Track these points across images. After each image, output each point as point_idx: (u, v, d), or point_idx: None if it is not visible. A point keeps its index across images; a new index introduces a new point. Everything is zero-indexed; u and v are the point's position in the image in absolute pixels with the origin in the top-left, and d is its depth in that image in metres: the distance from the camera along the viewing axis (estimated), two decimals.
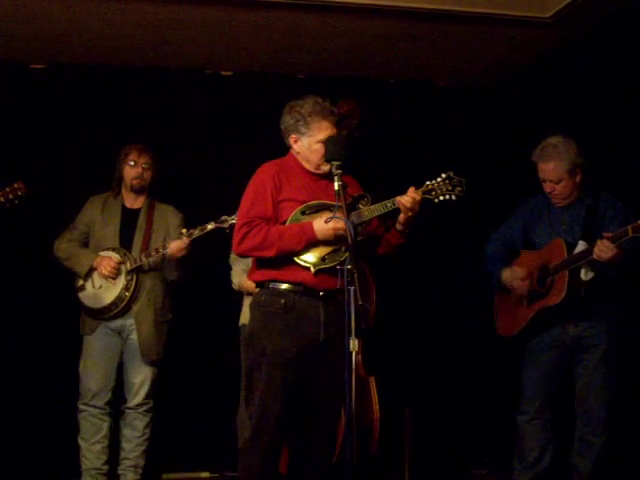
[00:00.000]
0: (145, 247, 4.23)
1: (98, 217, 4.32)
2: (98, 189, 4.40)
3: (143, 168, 4.31)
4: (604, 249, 3.42)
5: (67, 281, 4.26)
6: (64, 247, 4.29)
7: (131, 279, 4.19)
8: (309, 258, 3.16)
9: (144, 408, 4.27)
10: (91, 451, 4.22)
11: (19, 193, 3.93)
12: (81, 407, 4.24)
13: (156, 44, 4.57)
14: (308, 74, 5.07)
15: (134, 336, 4.22)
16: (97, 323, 4.23)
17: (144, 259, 4.19)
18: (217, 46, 4.65)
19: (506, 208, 4.13)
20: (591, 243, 3.52)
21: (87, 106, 4.78)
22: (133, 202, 4.37)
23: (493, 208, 4.66)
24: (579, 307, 3.62)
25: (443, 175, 3.26)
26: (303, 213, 3.20)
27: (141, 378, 4.25)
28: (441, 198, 3.24)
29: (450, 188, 3.24)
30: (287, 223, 3.20)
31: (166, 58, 4.78)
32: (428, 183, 3.25)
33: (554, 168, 3.71)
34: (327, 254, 3.16)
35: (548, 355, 3.73)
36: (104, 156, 4.42)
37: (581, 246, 3.59)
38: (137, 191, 4.34)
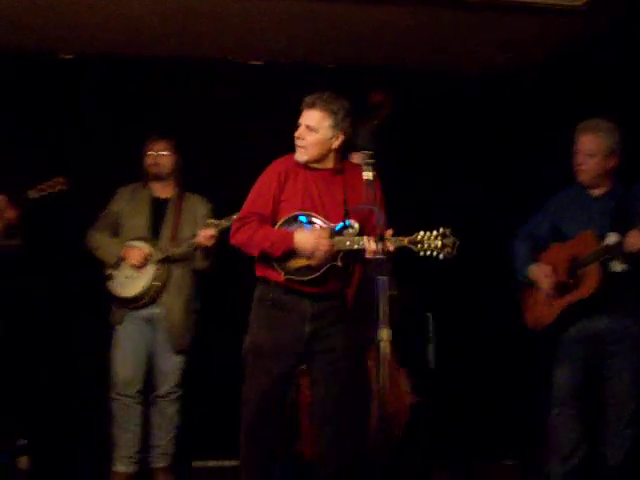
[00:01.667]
0: (174, 237, 4.26)
1: (127, 207, 4.36)
2: (129, 179, 4.43)
3: (158, 155, 4.35)
4: (635, 241, 3.39)
5: (98, 271, 4.30)
6: (95, 237, 4.33)
7: (160, 269, 4.21)
8: (284, 264, 3.26)
9: (173, 396, 4.32)
10: (123, 439, 4.26)
11: (59, 187, 4.02)
12: (113, 396, 4.27)
13: (185, 34, 4.56)
14: (338, 65, 5.04)
15: (163, 325, 4.25)
16: (126, 312, 4.26)
17: (173, 249, 4.22)
18: (247, 35, 4.63)
19: (534, 201, 4.09)
20: (622, 235, 3.48)
21: (116, 96, 4.79)
22: (162, 192, 4.39)
23: (520, 202, 4.61)
24: (610, 299, 3.57)
25: (438, 231, 3.14)
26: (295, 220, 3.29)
27: (170, 367, 4.29)
28: (427, 254, 3.12)
29: (439, 245, 3.11)
30: (277, 226, 3.31)
31: (196, 48, 4.77)
32: (419, 235, 3.13)
33: (592, 140, 3.64)
34: (304, 267, 3.24)
35: (579, 347, 3.69)
36: (134, 146, 4.42)
37: (612, 238, 3.54)
38: (158, 179, 4.37)
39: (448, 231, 3.15)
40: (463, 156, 5.13)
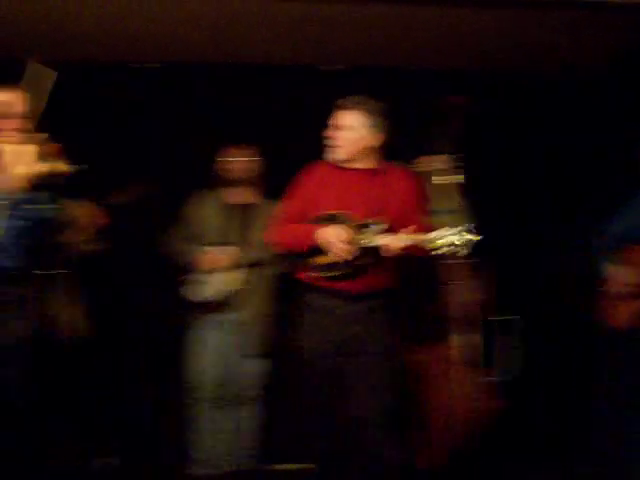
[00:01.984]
0: (250, 242, 4.30)
1: (203, 213, 4.41)
2: (206, 185, 4.48)
3: (242, 161, 4.39)
4: None
5: (176, 276, 4.37)
6: (171, 242, 4.41)
7: (237, 273, 4.26)
8: (313, 261, 3.32)
9: (252, 400, 4.35)
10: (203, 442, 4.32)
11: (136, 194, 4.12)
12: (191, 400, 4.34)
13: (264, 40, 4.59)
14: (418, 67, 5.01)
15: (240, 329, 4.29)
16: (203, 317, 4.32)
17: (249, 254, 4.26)
18: (327, 40, 4.64)
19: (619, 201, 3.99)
20: None
21: (195, 103, 4.87)
22: (238, 198, 4.42)
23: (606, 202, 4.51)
24: None
25: (459, 228, 3.05)
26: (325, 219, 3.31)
27: (248, 370, 4.33)
28: (442, 251, 3.04)
29: (455, 243, 3.02)
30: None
31: (276, 54, 4.80)
32: (435, 233, 3.07)
33: None
34: (329, 264, 3.28)
35: None
36: (211, 152, 4.48)
37: None
38: (238, 185, 4.41)
39: (465, 228, 3.06)
40: (541, 158, 5.07)
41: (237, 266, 4.26)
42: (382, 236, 3.15)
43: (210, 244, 4.32)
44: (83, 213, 4.19)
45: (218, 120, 4.82)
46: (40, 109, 2.90)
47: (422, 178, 3.84)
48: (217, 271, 4.25)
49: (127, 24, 4.36)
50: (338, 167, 3.41)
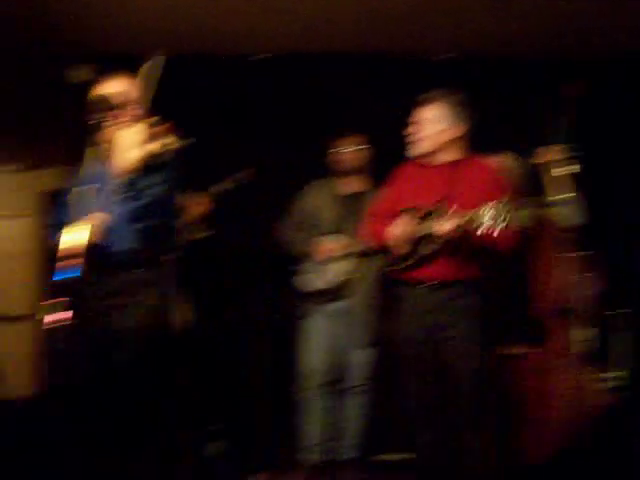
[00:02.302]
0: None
1: (317, 203, 4.43)
2: (318, 174, 4.51)
3: (351, 151, 4.39)
4: None
5: (288, 265, 4.41)
6: (285, 232, 4.45)
7: (349, 263, 4.26)
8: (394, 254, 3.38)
9: (360, 389, 4.37)
10: (311, 430, 4.37)
11: (245, 181, 4.18)
12: (302, 388, 4.39)
13: (375, 31, 4.61)
14: (531, 58, 4.94)
15: (352, 319, 4.30)
16: (315, 306, 4.35)
17: (361, 244, 4.24)
18: (437, 30, 4.61)
19: None
20: None
21: (306, 93, 4.91)
22: (351, 187, 4.43)
23: None
24: None
25: (498, 202, 3.02)
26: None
27: (359, 360, 4.34)
28: (482, 228, 3.01)
29: (494, 217, 2.98)
30: None
31: (386, 44, 4.81)
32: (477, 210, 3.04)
33: None
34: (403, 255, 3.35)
35: None
36: (324, 142, 4.49)
37: None
38: (349, 174, 4.41)
39: (503, 202, 3.01)
40: None
41: (349, 256, 4.27)
42: (435, 222, 3.19)
43: (323, 234, 4.35)
44: (191, 201, 4.30)
45: (331, 110, 4.85)
46: (150, 96, 2.96)
47: (540, 169, 3.79)
48: (329, 261, 4.28)
49: (238, 17, 4.43)
50: (422, 163, 3.43)
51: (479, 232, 3.00)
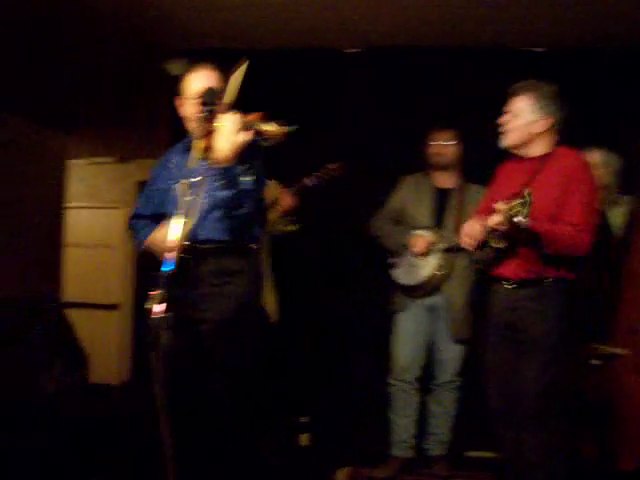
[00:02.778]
0: (457, 227, 4.19)
1: (411, 196, 4.39)
2: (412, 169, 4.48)
3: (443, 145, 4.34)
4: None
5: (382, 258, 4.38)
6: (379, 225, 4.42)
7: (443, 258, 4.22)
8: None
9: (452, 385, 4.33)
10: (400, 425, 4.34)
11: (335, 174, 4.18)
12: (391, 381, 4.36)
13: (463, 22, 4.57)
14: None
15: (444, 314, 4.27)
16: (409, 300, 4.32)
17: (457, 239, 4.19)
18: (526, 21, 4.52)
19: None
20: None
21: (398, 87, 4.87)
22: (445, 182, 4.38)
23: None
24: None
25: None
26: None
27: (450, 356, 4.30)
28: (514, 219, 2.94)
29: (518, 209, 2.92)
30: None
31: (472, 35, 4.74)
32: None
33: None
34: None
35: None
36: (415, 137, 4.46)
37: None
38: (441, 168, 4.37)
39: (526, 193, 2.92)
40: None
41: (445, 250, 4.23)
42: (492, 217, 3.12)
43: (419, 228, 4.31)
44: (283, 193, 4.32)
45: (424, 104, 4.80)
46: (235, 96, 2.98)
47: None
48: (425, 255, 4.24)
49: (333, 11, 4.44)
50: (515, 158, 3.37)
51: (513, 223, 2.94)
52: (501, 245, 3.16)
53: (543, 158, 3.28)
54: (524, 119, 3.27)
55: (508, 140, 3.32)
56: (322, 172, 4.30)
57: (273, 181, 4.52)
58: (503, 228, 3.06)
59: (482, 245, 3.26)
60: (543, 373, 3.19)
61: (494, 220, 3.08)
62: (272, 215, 4.39)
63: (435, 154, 4.35)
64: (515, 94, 3.32)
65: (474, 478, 4.34)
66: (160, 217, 3.20)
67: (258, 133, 2.93)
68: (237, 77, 2.87)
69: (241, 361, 3.18)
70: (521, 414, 3.23)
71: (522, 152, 3.34)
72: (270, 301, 4.44)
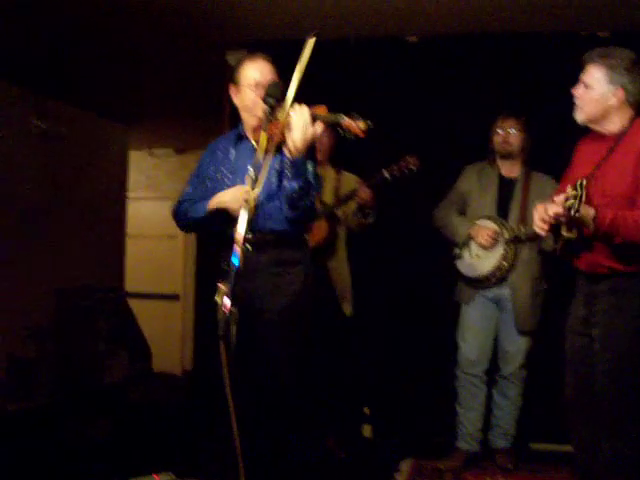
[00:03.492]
0: (522, 217, 4.16)
1: (475, 186, 4.33)
2: (474, 158, 4.41)
3: (509, 133, 4.26)
4: None
5: (446, 249, 4.34)
6: (442, 216, 4.37)
7: (508, 249, 4.15)
8: None
9: (517, 377, 4.27)
10: (467, 418, 4.30)
11: (411, 166, 4.14)
12: (459, 375, 4.32)
13: (528, 8, 4.44)
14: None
15: (510, 306, 4.20)
16: (474, 292, 4.26)
17: (522, 229, 4.13)
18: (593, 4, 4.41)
19: None
20: None
21: (461, 76, 4.80)
22: (509, 171, 4.31)
23: None
24: None
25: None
26: None
27: (516, 347, 4.24)
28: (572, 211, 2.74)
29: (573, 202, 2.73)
30: None
31: (541, 22, 4.63)
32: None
33: None
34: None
35: None
36: (479, 125, 4.41)
37: None
38: (505, 157, 4.29)
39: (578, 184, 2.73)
40: None
41: (510, 240, 4.16)
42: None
43: (483, 217, 4.25)
44: (360, 186, 4.31)
45: (490, 92, 4.72)
46: (300, 77, 2.96)
47: None
48: (492, 245, 4.17)
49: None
50: (593, 135, 3.13)
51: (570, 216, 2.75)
52: (572, 235, 2.90)
53: (619, 135, 3.03)
54: (598, 91, 3.00)
55: (582, 114, 3.06)
56: (399, 164, 4.25)
57: (349, 173, 4.53)
58: (563, 219, 2.86)
59: (555, 232, 3.02)
60: (618, 376, 2.99)
61: (553, 210, 2.87)
62: (349, 208, 4.40)
63: (501, 142, 4.27)
64: (587, 63, 3.06)
65: (539, 471, 4.28)
66: None
67: (339, 127, 2.93)
68: (304, 55, 2.86)
69: (301, 351, 3.19)
70: (596, 418, 3.07)
71: (598, 127, 3.08)
72: (346, 294, 4.44)
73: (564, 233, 2.92)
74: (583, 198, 2.72)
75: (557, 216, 2.88)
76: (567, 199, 2.74)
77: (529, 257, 4.19)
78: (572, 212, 2.72)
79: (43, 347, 5.37)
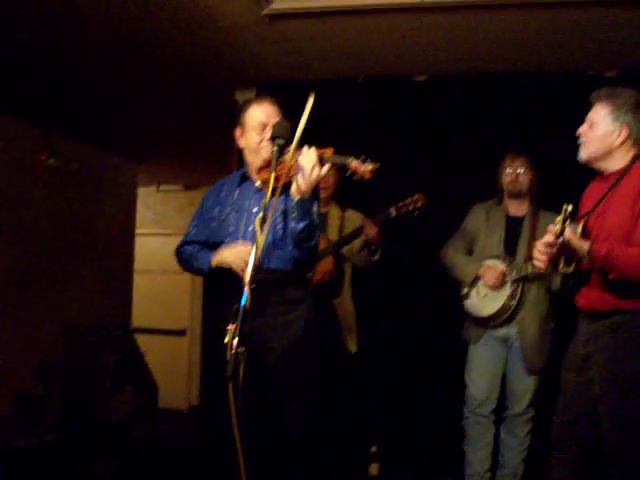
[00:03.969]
0: (530, 256, 4.14)
1: (482, 225, 4.34)
2: (482, 197, 4.44)
3: (518, 172, 4.27)
4: None
5: (453, 288, 4.35)
6: (450, 255, 4.37)
7: (516, 288, 4.15)
8: None
9: (525, 416, 4.24)
10: (475, 457, 4.27)
11: (418, 205, 4.16)
12: (467, 414, 4.30)
13: (536, 49, 4.50)
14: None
15: (518, 345, 4.19)
16: (482, 331, 4.26)
17: (529, 268, 4.13)
18: (601, 46, 4.46)
19: None
20: None
21: (468, 115, 4.84)
22: (517, 210, 4.32)
23: None
24: None
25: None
26: None
27: (524, 386, 4.22)
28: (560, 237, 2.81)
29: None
30: None
31: (545, 62, 4.68)
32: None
33: None
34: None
35: None
36: (487, 164, 4.43)
37: None
38: (513, 196, 4.30)
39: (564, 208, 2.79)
40: None
41: (519, 280, 4.16)
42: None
43: (490, 257, 4.26)
44: (367, 223, 4.33)
45: (497, 130, 4.75)
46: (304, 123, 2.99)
47: None
48: (499, 285, 4.18)
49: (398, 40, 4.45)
50: (599, 176, 3.15)
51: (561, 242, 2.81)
52: (569, 270, 2.94)
53: (620, 173, 3.04)
54: (603, 129, 3.04)
55: (586, 152, 3.09)
56: (405, 203, 4.26)
57: (354, 212, 4.55)
58: (554, 250, 2.88)
59: (555, 269, 3.06)
60: (623, 416, 2.93)
61: (545, 239, 2.90)
62: (355, 245, 4.41)
63: (510, 182, 4.28)
64: (593, 102, 3.11)
65: None
66: (212, 245, 3.27)
67: (346, 169, 2.97)
68: (306, 110, 2.90)
69: (308, 389, 3.20)
70: (581, 461, 3.06)
71: (601, 166, 3.10)
72: (351, 331, 4.44)
73: (561, 268, 2.96)
74: (567, 221, 2.78)
75: (549, 245, 2.89)
76: (555, 225, 2.80)
77: (537, 296, 4.18)
78: (558, 236, 2.77)
79: (51, 383, 5.38)
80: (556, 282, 4.09)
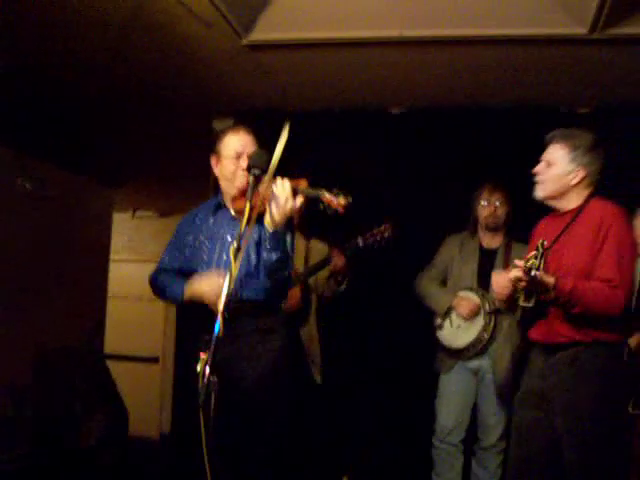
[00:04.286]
0: None
1: (456, 256, 4.38)
2: (456, 229, 4.48)
3: (495, 206, 4.31)
4: None
5: (426, 319, 4.37)
6: (424, 284, 4.40)
7: (489, 320, 4.18)
8: None
9: (497, 449, 4.25)
10: None
11: (386, 235, 4.18)
12: (436, 443, 4.31)
13: (510, 84, 4.58)
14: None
15: (490, 377, 4.21)
16: (454, 362, 4.28)
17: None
18: (574, 84, 4.54)
19: None
20: None
21: (441, 148, 4.89)
22: (490, 242, 4.36)
23: None
24: None
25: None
26: None
27: (496, 420, 4.23)
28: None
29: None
30: None
31: (517, 96, 4.76)
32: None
33: None
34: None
35: None
36: (460, 196, 4.48)
37: None
38: (491, 229, 4.35)
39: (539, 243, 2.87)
40: None
41: (492, 312, 4.18)
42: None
43: (463, 288, 4.30)
44: (334, 254, 4.34)
45: (470, 163, 4.80)
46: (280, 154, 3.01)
47: None
48: (472, 317, 4.21)
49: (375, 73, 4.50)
50: (553, 213, 3.23)
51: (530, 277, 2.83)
52: (529, 304, 2.96)
53: (576, 211, 3.12)
54: (559, 169, 3.13)
55: (543, 191, 3.17)
56: (373, 233, 4.29)
57: (318, 242, 4.55)
58: (523, 284, 2.92)
59: (513, 303, 3.12)
60: (587, 449, 2.93)
61: (513, 274, 2.93)
62: (321, 275, 4.42)
63: (487, 215, 4.32)
64: (550, 142, 3.20)
65: None
66: (186, 273, 3.26)
67: (319, 201, 2.98)
68: (281, 141, 2.91)
69: (280, 418, 3.19)
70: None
71: (557, 204, 3.19)
72: (316, 362, 4.44)
73: (521, 302, 2.98)
74: (544, 257, 2.83)
75: (517, 280, 2.93)
76: (528, 260, 2.82)
77: (510, 328, 4.20)
78: (532, 272, 2.80)
79: (20, 406, 5.30)
80: (517, 314, 4.17)
